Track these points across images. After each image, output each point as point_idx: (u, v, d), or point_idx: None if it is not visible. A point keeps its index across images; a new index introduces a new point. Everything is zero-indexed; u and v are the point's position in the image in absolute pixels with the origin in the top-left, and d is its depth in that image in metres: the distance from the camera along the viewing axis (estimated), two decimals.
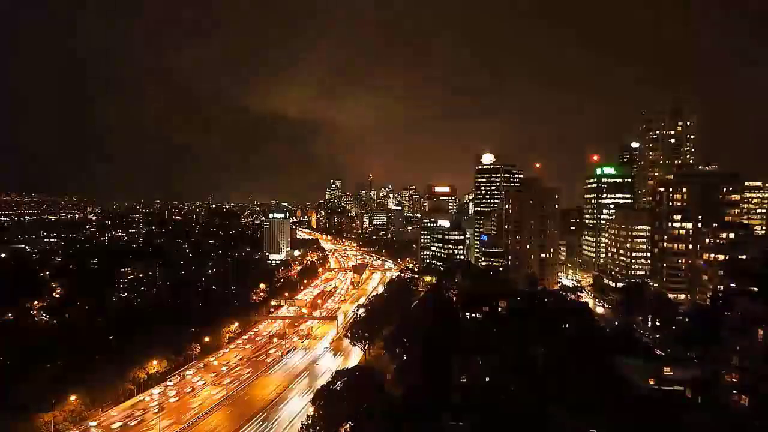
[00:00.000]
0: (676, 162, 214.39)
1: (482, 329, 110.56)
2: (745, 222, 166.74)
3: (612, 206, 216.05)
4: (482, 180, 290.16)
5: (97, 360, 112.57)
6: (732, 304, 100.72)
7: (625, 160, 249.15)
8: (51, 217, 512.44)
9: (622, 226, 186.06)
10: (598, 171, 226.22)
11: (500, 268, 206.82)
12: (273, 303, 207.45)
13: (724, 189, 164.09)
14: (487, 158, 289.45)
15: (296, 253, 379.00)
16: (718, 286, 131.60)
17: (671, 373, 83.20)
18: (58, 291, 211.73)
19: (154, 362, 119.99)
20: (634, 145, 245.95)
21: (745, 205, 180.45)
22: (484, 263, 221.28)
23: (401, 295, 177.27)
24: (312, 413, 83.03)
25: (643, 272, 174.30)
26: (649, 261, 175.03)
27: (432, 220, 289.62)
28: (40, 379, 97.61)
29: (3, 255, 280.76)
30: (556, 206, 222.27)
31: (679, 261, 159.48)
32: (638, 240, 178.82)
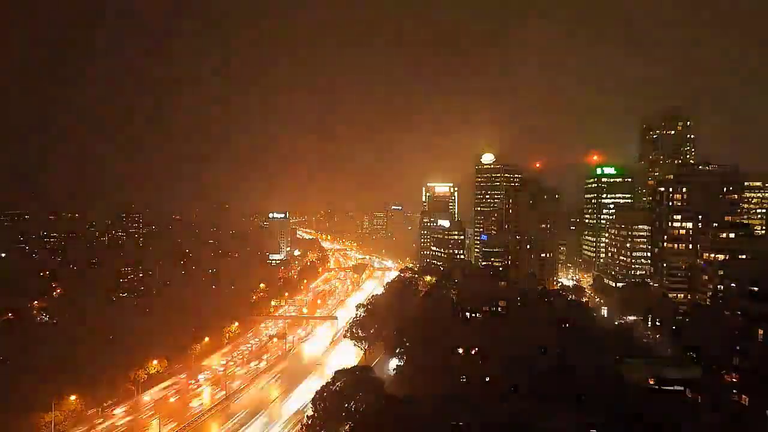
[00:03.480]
0: (676, 162, 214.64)
1: (482, 329, 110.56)
2: (745, 222, 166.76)
3: (612, 206, 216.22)
4: (482, 180, 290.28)
5: (98, 360, 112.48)
6: (732, 304, 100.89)
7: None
8: (51, 217, 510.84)
9: (622, 226, 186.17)
10: (598, 171, 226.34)
11: (500, 268, 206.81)
12: (273, 303, 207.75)
13: (724, 189, 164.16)
14: (487, 158, 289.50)
15: (296, 252, 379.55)
16: (718, 286, 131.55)
17: (671, 373, 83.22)
18: (58, 291, 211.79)
19: (154, 362, 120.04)
20: (634, 145, 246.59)
21: (745, 205, 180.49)
22: (484, 263, 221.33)
23: (401, 295, 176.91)
24: (312, 413, 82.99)
25: (643, 272, 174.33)
26: (649, 261, 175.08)
27: (432, 220, 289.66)
28: (40, 379, 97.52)
29: (3, 255, 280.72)
30: (557, 206, 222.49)
31: (679, 261, 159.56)
32: (638, 240, 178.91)
